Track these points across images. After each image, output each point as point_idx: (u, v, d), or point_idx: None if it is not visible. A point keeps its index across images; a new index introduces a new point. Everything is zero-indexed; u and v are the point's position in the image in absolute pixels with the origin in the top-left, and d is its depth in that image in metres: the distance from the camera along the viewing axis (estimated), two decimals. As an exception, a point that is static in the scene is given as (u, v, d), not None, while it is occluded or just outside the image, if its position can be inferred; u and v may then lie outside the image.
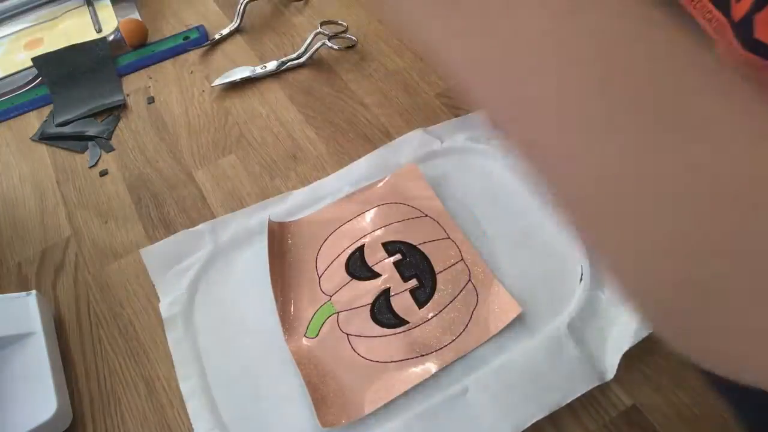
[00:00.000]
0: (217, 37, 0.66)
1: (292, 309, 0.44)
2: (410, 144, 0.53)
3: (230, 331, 0.44)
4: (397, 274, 0.44)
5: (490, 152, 0.51)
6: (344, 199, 0.50)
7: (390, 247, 0.46)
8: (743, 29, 0.35)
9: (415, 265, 0.45)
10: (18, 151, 0.59)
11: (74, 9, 0.70)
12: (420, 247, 0.46)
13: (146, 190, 0.54)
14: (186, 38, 0.67)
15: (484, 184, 0.50)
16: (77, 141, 0.59)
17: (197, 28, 0.68)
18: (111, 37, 0.67)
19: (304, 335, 0.43)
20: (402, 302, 0.43)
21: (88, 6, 0.70)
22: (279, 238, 0.47)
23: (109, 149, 0.58)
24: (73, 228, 0.52)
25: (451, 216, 0.48)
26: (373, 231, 0.47)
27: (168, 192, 0.54)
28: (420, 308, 0.43)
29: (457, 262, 0.45)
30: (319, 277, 0.46)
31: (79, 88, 0.62)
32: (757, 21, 0.34)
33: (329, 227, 0.48)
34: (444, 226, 0.47)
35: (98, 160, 0.57)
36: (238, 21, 0.68)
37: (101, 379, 0.43)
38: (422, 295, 0.43)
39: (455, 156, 0.52)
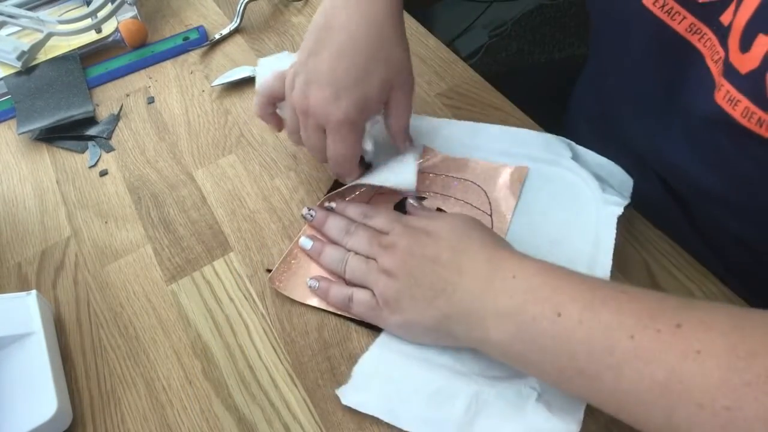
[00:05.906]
0: (217, 37, 0.66)
1: None
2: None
3: None
4: None
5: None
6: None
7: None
8: (752, 85, 0.29)
9: None
10: (18, 151, 0.59)
11: (74, 9, 0.70)
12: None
13: (146, 190, 0.54)
14: (186, 38, 0.67)
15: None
16: (77, 141, 0.59)
17: (197, 28, 0.68)
18: (111, 38, 0.67)
19: None
20: None
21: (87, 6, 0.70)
22: None
23: (109, 149, 0.58)
24: (73, 228, 0.52)
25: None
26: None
27: (168, 192, 0.54)
28: None
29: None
30: None
31: (45, 99, 0.61)
32: None
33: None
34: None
35: (98, 160, 0.57)
36: (238, 21, 0.68)
37: (101, 379, 0.43)
38: None
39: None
